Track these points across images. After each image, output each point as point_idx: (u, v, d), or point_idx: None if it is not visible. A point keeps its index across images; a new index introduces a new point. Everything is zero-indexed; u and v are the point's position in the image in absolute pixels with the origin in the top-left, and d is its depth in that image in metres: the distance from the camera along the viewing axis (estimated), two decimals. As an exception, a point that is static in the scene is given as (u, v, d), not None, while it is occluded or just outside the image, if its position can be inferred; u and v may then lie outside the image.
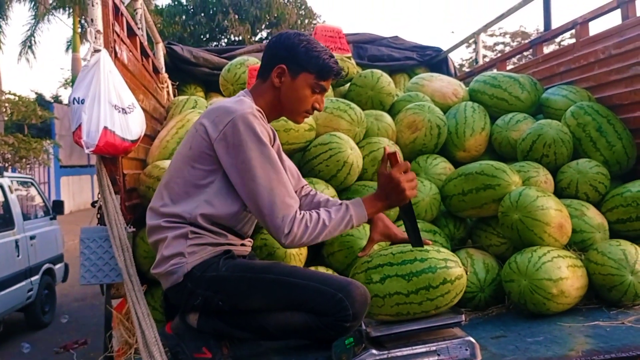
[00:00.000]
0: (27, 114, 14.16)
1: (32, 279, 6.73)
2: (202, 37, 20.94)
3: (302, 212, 1.89)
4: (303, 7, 22.41)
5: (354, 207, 1.96)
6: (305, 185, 2.41)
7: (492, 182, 2.90)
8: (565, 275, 2.50)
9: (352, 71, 4.06)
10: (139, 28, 3.92)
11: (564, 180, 3.21)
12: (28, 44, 23.69)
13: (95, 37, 2.37)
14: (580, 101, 3.58)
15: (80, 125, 2.24)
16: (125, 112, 2.35)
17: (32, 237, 6.83)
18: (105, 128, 2.23)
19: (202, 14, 20.84)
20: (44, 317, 7.17)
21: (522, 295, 2.52)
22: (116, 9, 2.78)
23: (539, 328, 2.39)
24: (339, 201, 2.32)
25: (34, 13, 23.29)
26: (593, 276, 2.63)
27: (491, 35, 28.52)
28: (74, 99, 2.27)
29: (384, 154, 2.04)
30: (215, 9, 20.52)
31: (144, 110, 3.23)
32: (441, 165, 3.45)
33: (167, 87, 4.67)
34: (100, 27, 2.41)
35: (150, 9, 20.84)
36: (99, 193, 2.41)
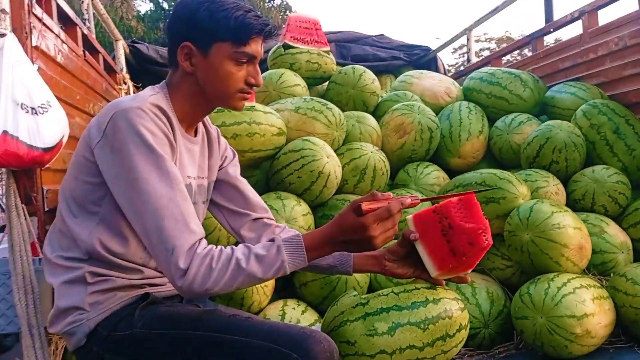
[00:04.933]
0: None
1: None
2: (168, 44, 20.48)
3: (209, 245, 1.36)
4: (287, 10, 22.04)
5: (289, 249, 1.40)
6: (267, 217, 1.77)
7: (496, 194, 2.45)
8: (591, 310, 2.03)
9: (331, 68, 3.58)
10: (84, 19, 3.43)
11: (577, 191, 2.75)
12: None
13: None
14: (592, 99, 3.13)
15: (-27, 130, 1.73)
16: (36, 113, 1.84)
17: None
18: (5, 133, 1.72)
19: (185, 19, 20.40)
20: (6, 341, 6.62)
21: (539, 335, 2.05)
22: (39, -11, 2.29)
23: (562, 379, 1.92)
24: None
25: None
26: (622, 309, 2.17)
27: (477, 41, 28.20)
28: (-33, 96, 1.76)
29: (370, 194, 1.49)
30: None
31: (86, 113, 2.75)
32: (434, 175, 2.98)
33: (128, 88, 4.19)
34: (6, 6, 1.91)
35: (133, 15, 20.38)
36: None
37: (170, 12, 1.62)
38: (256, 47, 1.51)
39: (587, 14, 3.51)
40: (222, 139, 1.78)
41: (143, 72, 4.86)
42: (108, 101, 3.34)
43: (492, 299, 2.32)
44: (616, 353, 2.13)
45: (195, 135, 1.63)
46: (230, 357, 1.35)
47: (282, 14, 21.75)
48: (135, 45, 4.89)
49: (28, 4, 2.08)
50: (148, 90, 1.51)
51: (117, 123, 1.35)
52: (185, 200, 1.36)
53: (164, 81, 1.58)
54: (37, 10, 2.19)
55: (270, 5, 21.17)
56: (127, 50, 4.70)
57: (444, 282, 1.66)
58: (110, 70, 3.85)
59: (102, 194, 1.43)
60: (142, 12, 22.27)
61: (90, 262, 1.45)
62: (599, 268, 2.44)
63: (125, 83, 4.20)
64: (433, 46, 5.81)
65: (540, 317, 2.05)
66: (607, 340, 2.18)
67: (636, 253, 2.55)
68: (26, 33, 2.04)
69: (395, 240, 1.64)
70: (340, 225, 1.42)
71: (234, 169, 1.77)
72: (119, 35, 4.44)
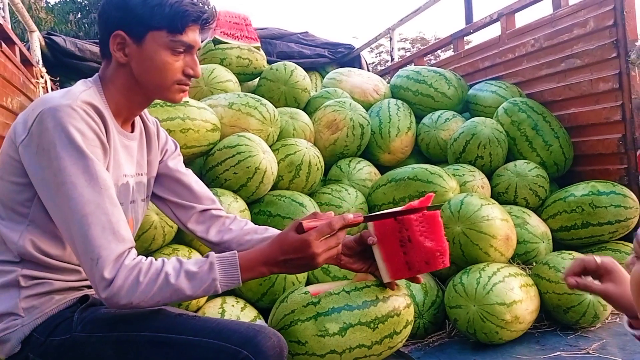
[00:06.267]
0: None
1: None
2: (99, 36, 19.59)
3: (139, 257, 1.31)
4: (205, 6, 21.66)
5: (223, 268, 1.34)
6: (215, 208, 1.69)
7: (428, 188, 2.54)
8: (519, 297, 2.14)
9: (262, 64, 3.57)
10: (-1, 8, 3.23)
11: (501, 185, 2.89)
12: None
13: None
14: (512, 97, 3.30)
15: None
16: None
17: None
18: None
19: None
20: None
21: (472, 323, 2.14)
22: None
23: (493, 363, 2.02)
24: (271, 230, 1.65)
25: None
26: (545, 295, 2.30)
27: (391, 41, 28.74)
28: None
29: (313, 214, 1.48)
30: (111, 6, 19.28)
31: (4, 108, 2.60)
32: (366, 170, 3.04)
33: (45, 82, 3.99)
34: None
35: (40, 6, 19.36)
36: None
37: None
38: (193, 36, 1.45)
39: (505, 16, 3.69)
40: (162, 132, 1.71)
41: (60, 65, 4.63)
42: (26, 95, 3.18)
43: (425, 289, 2.39)
44: (541, 337, 2.26)
45: (133, 131, 1.55)
46: (179, 356, 1.31)
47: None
48: (52, 37, 4.65)
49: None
50: (80, 85, 1.43)
51: (44, 121, 1.27)
52: (114, 207, 1.29)
53: (96, 74, 1.50)
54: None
55: None
56: (43, 43, 4.47)
57: (395, 286, 1.67)
58: (26, 62, 3.65)
59: (30, 195, 1.35)
60: (52, 2, 21.20)
61: (23, 265, 1.37)
62: (522, 257, 2.57)
63: (42, 77, 4.00)
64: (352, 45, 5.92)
65: (473, 305, 2.14)
66: (532, 325, 2.31)
67: (555, 242, 2.71)
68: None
69: (352, 236, 1.63)
70: (281, 244, 1.38)
71: (175, 162, 1.70)
72: (34, 27, 4.22)
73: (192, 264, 1.32)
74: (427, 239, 1.51)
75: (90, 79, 1.47)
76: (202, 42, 3.74)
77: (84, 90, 1.37)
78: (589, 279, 1.15)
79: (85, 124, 1.30)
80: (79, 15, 19.78)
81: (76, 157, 1.26)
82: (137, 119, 1.59)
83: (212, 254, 1.36)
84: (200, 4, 1.49)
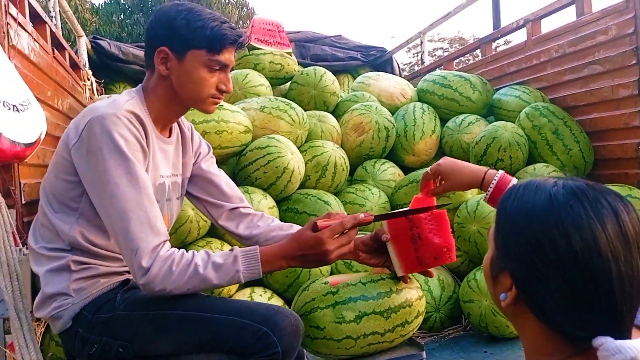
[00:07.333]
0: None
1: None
2: (140, 36, 20.08)
3: (172, 249, 1.48)
4: (244, 7, 21.93)
5: (245, 261, 1.51)
6: (243, 206, 1.85)
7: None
8: (530, 293, 2.26)
9: (293, 68, 3.74)
10: (51, 17, 3.48)
11: (520, 187, 2.99)
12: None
13: (-20, 20, 1.96)
14: (534, 102, 3.39)
15: (-42, 126, 1.81)
16: (18, 110, 1.94)
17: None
18: (-10, 129, 1.82)
19: (141, 13, 20.06)
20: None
21: (484, 317, 2.26)
22: (14, -11, 2.36)
23: (503, 355, 2.14)
24: (295, 227, 1.78)
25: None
26: (557, 293, 2.40)
27: (430, 41, 28.52)
28: (-49, 93, 1.84)
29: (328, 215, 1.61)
30: (153, 7, 19.79)
31: (56, 109, 2.83)
32: (390, 171, 3.17)
33: (91, 84, 4.24)
34: (-14, 7, 2.00)
35: (86, 7, 19.98)
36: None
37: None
38: (229, 56, 1.63)
39: (531, 22, 3.77)
40: (196, 135, 1.89)
41: (105, 68, 4.88)
42: (74, 97, 3.41)
43: (442, 285, 2.52)
44: (552, 332, 2.37)
45: (170, 136, 1.74)
46: (206, 332, 1.50)
47: (238, 10, 21.61)
48: (97, 41, 4.90)
49: (5, 4, 2.16)
50: (125, 95, 1.62)
51: (92, 128, 1.45)
52: (152, 204, 1.47)
53: (140, 85, 1.69)
54: (12, 10, 2.27)
55: (227, 1, 21.02)
56: (89, 47, 4.72)
57: (408, 280, 1.82)
58: (74, 66, 3.89)
59: (80, 191, 1.55)
60: (96, 4, 21.83)
61: (73, 252, 1.56)
62: (538, 257, 2.67)
63: (88, 79, 4.24)
64: (388, 44, 6.02)
65: (485, 300, 2.26)
66: (544, 321, 2.41)
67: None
68: (4, 33, 2.12)
69: (369, 233, 1.78)
70: (298, 240, 1.54)
71: (207, 164, 1.88)
72: (81, 32, 4.47)
73: (218, 257, 1.49)
74: (435, 236, 1.66)
75: (134, 89, 1.66)
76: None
77: (127, 100, 1.56)
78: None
79: (128, 130, 1.48)
80: (122, 16, 20.37)
81: (120, 160, 1.44)
82: (174, 125, 1.77)
83: (237, 248, 1.53)
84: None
